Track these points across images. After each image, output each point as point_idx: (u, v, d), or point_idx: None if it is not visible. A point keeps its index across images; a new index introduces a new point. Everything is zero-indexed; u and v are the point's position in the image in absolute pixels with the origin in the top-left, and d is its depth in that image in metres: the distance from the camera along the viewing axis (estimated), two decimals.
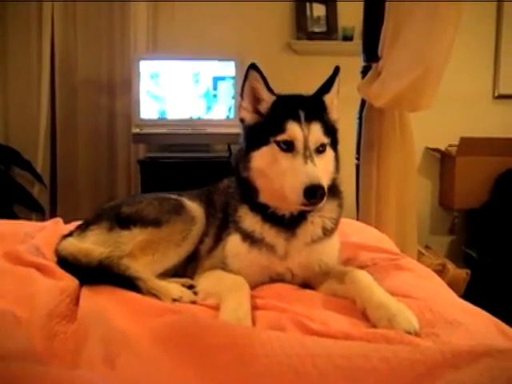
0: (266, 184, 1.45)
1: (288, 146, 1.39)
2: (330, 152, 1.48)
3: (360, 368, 0.90)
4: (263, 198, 1.49)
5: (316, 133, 1.41)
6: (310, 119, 1.41)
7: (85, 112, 4.14)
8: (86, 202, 4.09)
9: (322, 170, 1.39)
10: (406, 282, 1.48)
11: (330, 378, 0.90)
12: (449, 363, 0.87)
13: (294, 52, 4.24)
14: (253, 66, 1.46)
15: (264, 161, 1.43)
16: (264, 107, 1.49)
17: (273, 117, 1.45)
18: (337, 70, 1.55)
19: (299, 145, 1.38)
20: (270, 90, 1.49)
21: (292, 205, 1.39)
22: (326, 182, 1.38)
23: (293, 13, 4.23)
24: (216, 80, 3.81)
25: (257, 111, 1.50)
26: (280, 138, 1.39)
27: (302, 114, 1.41)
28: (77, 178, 4.16)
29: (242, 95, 1.51)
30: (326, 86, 1.54)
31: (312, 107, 1.47)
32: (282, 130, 1.39)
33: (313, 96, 1.54)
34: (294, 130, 1.39)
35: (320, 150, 1.42)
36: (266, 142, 1.42)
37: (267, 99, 1.48)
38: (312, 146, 1.39)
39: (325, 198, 1.34)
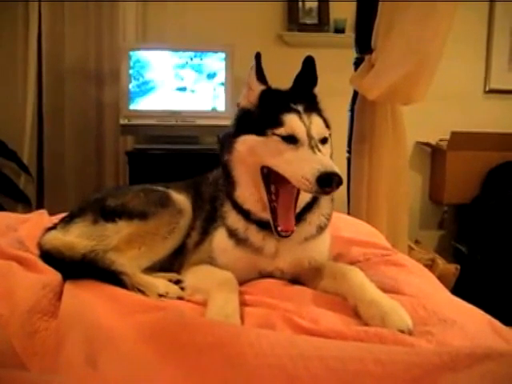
0: (243, 175, 1.43)
1: (289, 139, 1.34)
2: (329, 145, 1.43)
3: (354, 371, 0.86)
4: (239, 195, 1.46)
5: (318, 125, 1.38)
6: (309, 112, 1.39)
7: (72, 102, 4.06)
8: (74, 194, 4.04)
9: None
10: (398, 278, 1.45)
11: (322, 382, 0.86)
12: (447, 366, 0.84)
13: (285, 44, 4.20)
14: (255, 56, 1.47)
15: (247, 145, 1.39)
16: (252, 96, 1.48)
17: (266, 108, 1.42)
18: (310, 59, 1.52)
19: (302, 137, 1.33)
20: (259, 79, 1.48)
21: (306, 191, 1.32)
22: None
23: (284, 4, 4.19)
24: (206, 71, 3.76)
25: (249, 99, 1.49)
26: (279, 131, 1.34)
27: (300, 107, 1.38)
28: (64, 169, 4.10)
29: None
30: (312, 79, 1.52)
31: (308, 100, 1.45)
32: (280, 123, 1.35)
33: (303, 89, 1.51)
34: (293, 122, 1.35)
35: (322, 143, 1.38)
36: (260, 133, 1.37)
37: (254, 88, 1.47)
38: (316, 137, 1.35)
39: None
